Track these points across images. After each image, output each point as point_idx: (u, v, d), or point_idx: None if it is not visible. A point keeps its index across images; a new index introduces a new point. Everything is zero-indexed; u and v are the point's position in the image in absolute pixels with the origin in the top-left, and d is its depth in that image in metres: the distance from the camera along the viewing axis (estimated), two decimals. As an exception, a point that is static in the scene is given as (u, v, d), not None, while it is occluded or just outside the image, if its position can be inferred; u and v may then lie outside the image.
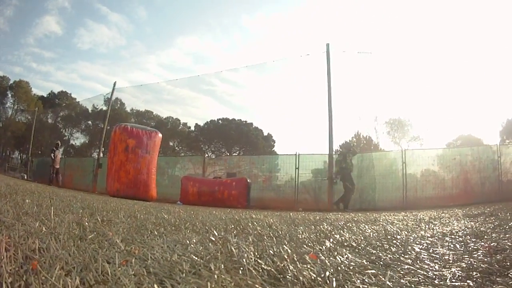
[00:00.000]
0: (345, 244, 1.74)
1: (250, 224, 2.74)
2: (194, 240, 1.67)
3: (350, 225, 3.00)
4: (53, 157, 14.82)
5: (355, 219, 4.03)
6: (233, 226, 2.59)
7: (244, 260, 1.14)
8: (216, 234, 1.98)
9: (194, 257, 1.21)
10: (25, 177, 23.93)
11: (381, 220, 3.85)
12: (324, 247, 1.58)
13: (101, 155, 19.44)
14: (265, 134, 43.04)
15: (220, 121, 42.75)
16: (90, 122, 45.38)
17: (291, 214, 5.63)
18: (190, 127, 44.61)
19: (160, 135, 11.76)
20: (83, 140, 45.95)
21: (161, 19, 76.27)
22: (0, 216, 1.83)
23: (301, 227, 2.66)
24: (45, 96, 52.49)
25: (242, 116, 47.82)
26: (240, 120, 42.71)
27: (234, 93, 50.98)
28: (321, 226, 2.80)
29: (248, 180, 11.66)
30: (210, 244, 1.57)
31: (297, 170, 12.59)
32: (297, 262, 1.13)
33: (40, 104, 43.79)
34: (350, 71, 24.49)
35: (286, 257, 1.18)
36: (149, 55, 76.12)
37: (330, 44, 12.55)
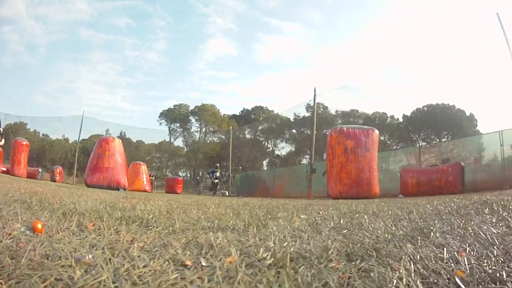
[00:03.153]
0: None
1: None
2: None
3: None
4: None
5: None
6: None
7: None
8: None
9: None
10: (227, 194, 23.58)
11: None
12: None
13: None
14: (468, 114, 37.42)
15: (425, 108, 39.44)
16: (294, 131, 45.46)
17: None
18: (397, 119, 41.59)
19: (377, 132, 11.65)
20: (289, 149, 46.22)
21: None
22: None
23: None
24: (238, 114, 52.23)
25: (444, 99, 41.10)
26: (443, 104, 38.29)
27: (431, 78, 44.99)
28: None
29: (462, 164, 11.26)
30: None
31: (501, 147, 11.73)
32: None
33: (233, 123, 44.01)
34: None
35: None
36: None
37: None
